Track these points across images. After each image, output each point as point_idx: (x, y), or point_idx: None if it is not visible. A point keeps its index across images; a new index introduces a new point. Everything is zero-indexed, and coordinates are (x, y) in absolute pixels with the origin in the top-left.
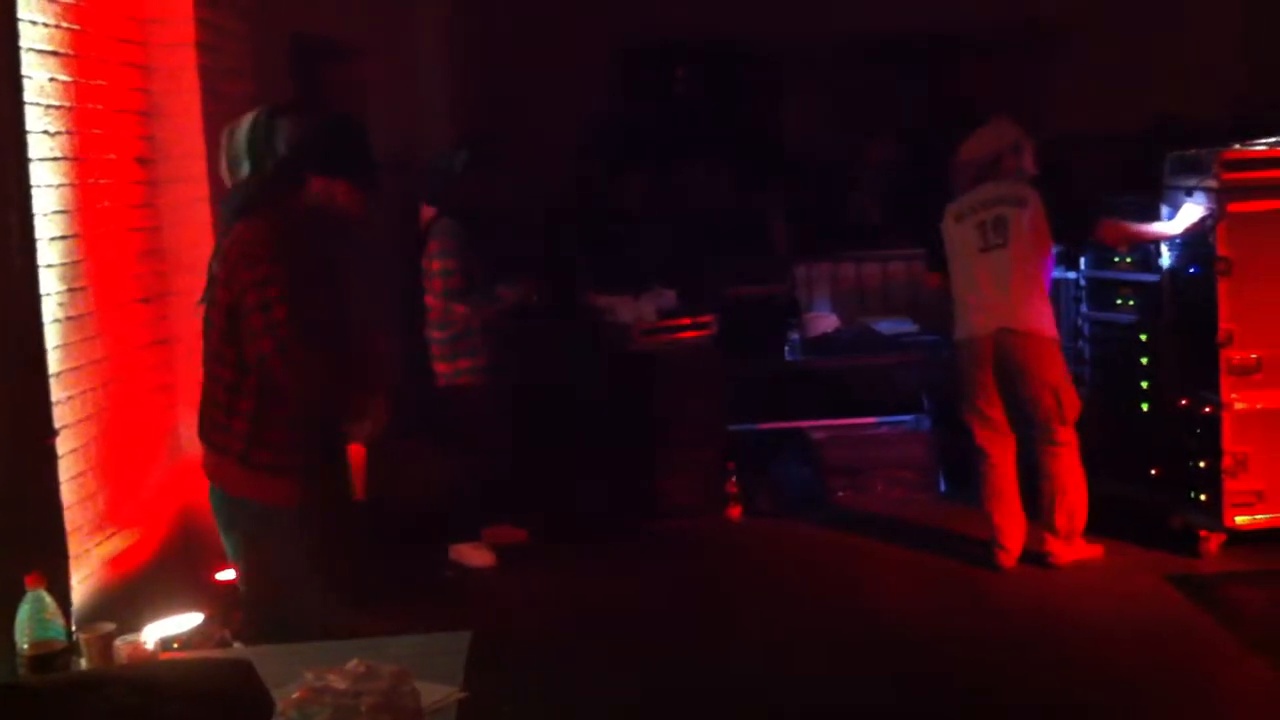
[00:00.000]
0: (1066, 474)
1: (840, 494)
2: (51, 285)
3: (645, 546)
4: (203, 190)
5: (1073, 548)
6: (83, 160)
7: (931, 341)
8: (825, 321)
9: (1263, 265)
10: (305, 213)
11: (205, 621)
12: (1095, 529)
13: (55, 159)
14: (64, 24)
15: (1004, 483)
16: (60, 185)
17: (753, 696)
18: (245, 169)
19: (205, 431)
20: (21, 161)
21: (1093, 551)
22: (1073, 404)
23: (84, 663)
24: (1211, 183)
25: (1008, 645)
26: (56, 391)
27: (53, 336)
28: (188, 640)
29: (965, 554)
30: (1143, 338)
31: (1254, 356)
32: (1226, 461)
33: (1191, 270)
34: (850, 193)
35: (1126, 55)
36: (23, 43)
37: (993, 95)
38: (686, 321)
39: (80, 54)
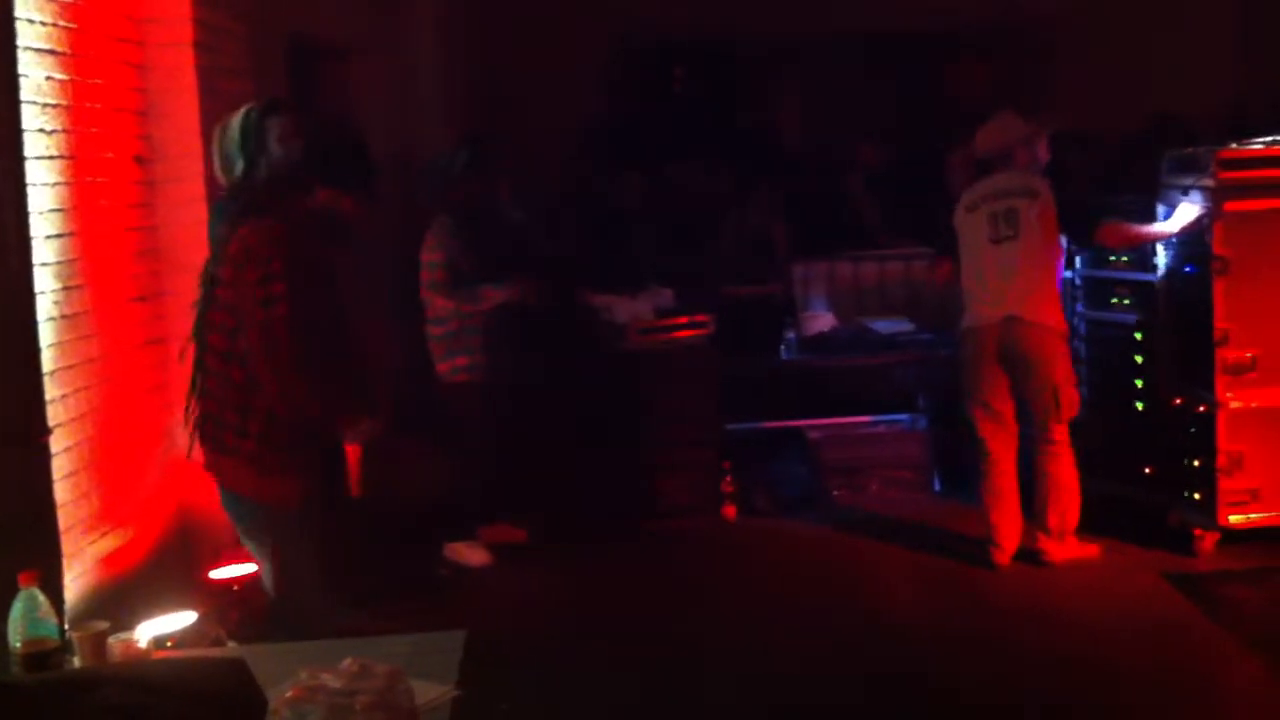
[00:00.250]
0: (1060, 473)
1: (836, 493)
2: (47, 283)
3: (641, 546)
4: (199, 190)
5: (1065, 546)
6: (79, 159)
7: (928, 341)
8: (822, 321)
9: (1259, 264)
10: (306, 214)
11: (199, 620)
12: (1091, 528)
13: (52, 157)
14: (61, 23)
15: (1004, 481)
16: (57, 184)
17: (748, 696)
18: (239, 168)
19: (211, 434)
20: (18, 159)
21: (1087, 551)
22: (1070, 403)
23: (77, 661)
24: (1208, 181)
25: (1004, 644)
26: (51, 390)
27: (48, 334)
28: (181, 639)
29: (961, 553)
30: (1138, 337)
31: (1249, 355)
32: (1221, 460)
33: (1188, 269)
34: (845, 193)
35: (1124, 55)
36: (20, 41)
37: (990, 95)
38: (683, 321)
39: (77, 53)
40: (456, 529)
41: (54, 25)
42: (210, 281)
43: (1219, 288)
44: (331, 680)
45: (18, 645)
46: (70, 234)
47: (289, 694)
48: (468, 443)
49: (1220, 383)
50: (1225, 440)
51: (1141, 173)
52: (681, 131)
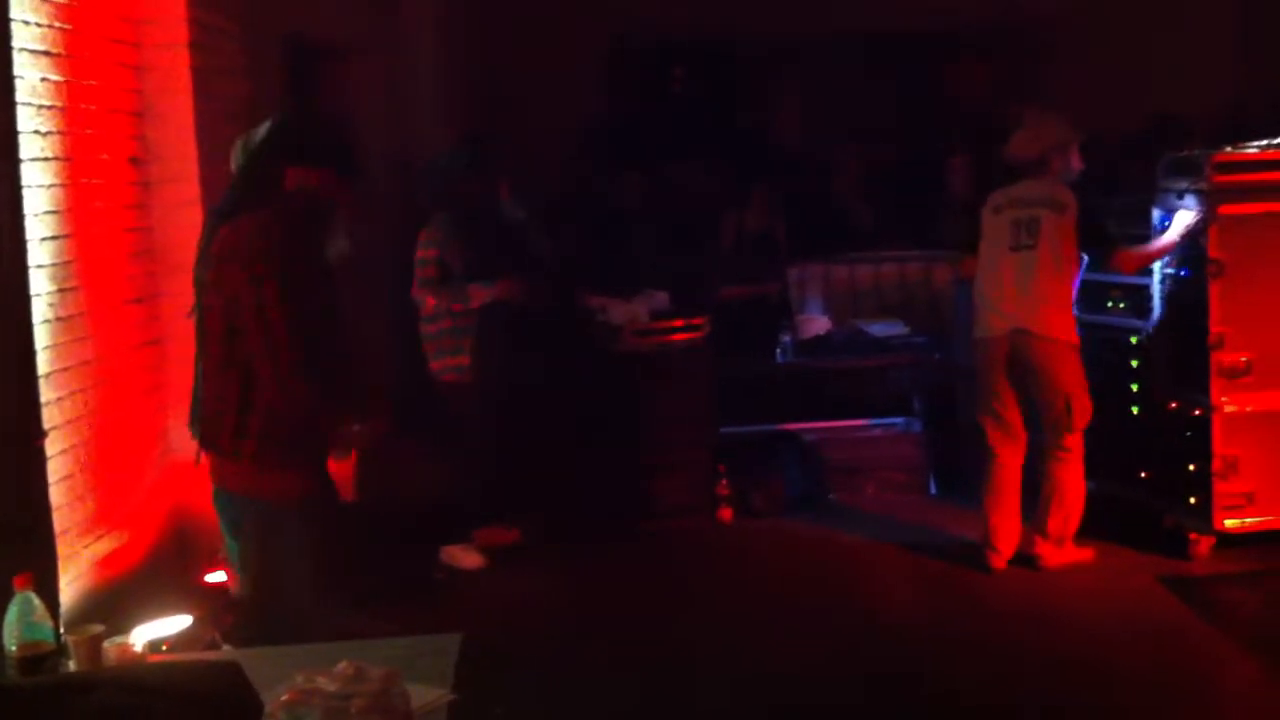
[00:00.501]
0: (1067, 480)
1: (832, 496)
2: (43, 286)
3: (637, 548)
4: (195, 191)
5: (1062, 552)
6: (75, 160)
7: (923, 343)
8: (817, 323)
9: (1254, 267)
10: (293, 211)
11: (194, 623)
12: (1086, 531)
13: (47, 159)
14: (56, 24)
15: (1006, 485)
16: (52, 185)
17: (744, 697)
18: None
19: (212, 437)
20: (13, 161)
21: (1083, 555)
22: (1083, 412)
23: (72, 664)
24: (1203, 185)
25: (1000, 646)
26: (47, 392)
27: (43, 337)
28: (177, 642)
29: (956, 556)
30: (1133, 340)
31: (1244, 359)
32: (1217, 464)
33: (1183, 273)
34: (838, 193)
35: (1123, 55)
36: (15, 43)
37: (990, 95)
38: (679, 323)
39: (73, 54)
40: (451, 532)
41: (49, 27)
42: (200, 287)
43: (1214, 291)
44: (327, 683)
45: (13, 648)
46: (66, 236)
47: (284, 697)
48: (463, 444)
49: (1216, 386)
50: (1221, 444)
51: (1140, 173)
52: (681, 131)
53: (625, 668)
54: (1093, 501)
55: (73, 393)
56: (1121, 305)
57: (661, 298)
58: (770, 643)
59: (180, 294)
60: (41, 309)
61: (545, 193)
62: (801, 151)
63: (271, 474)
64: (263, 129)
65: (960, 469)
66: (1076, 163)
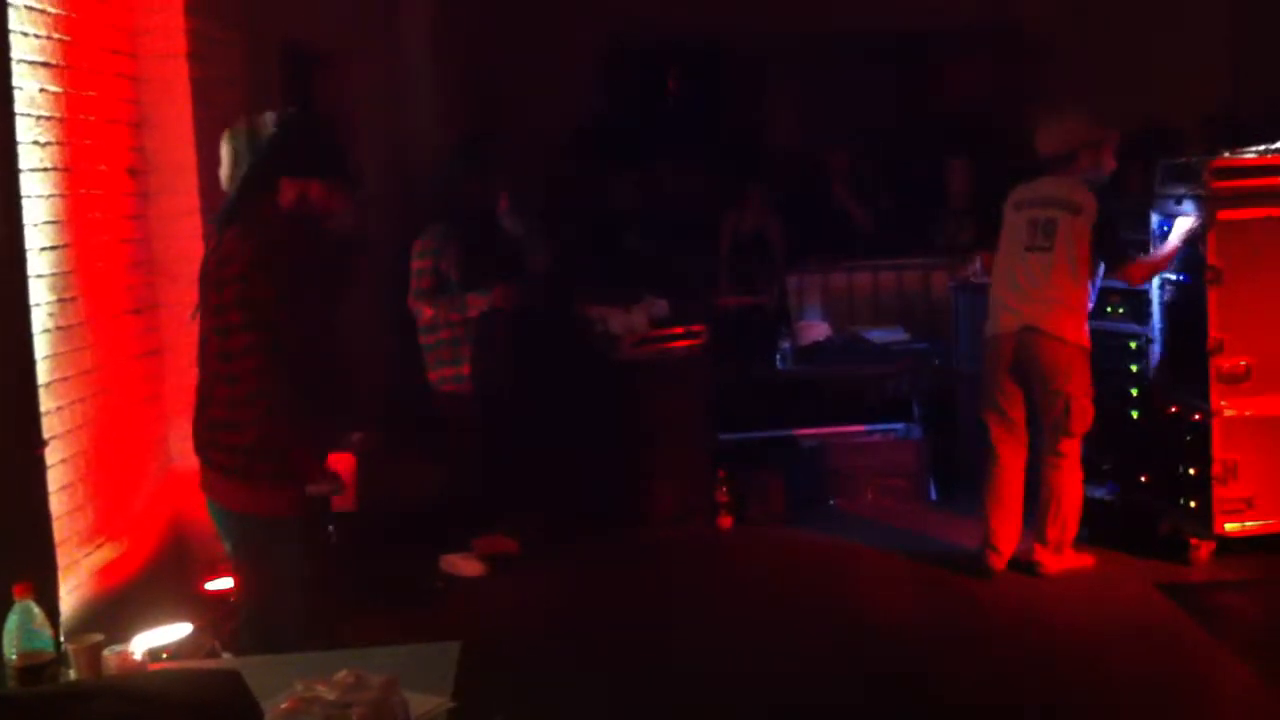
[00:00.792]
0: (1063, 486)
1: (831, 502)
2: (42, 296)
3: (636, 555)
4: (194, 201)
5: (1062, 558)
6: (73, 171)
7: (922, 350)
8: (816, 330)
9: (1253, 273)
10: (287, 220)
11: (194, 632)
12: (1084, 537)
13: (46, 170)
14: (55, 35)
15: (1007, 486)
16: (51, 196)
17: (741, 705)
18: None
19: (206, 450)
20: (12, 172)
21: (1083, 561)
22: (1081, 417)
23: (72, 673)
24: (1202, 190)
25: (999, 652)
26: (46, 402)
27: (43, 347)
28: (177, 651)
29: (955, 562)
30: (1133, 345)
31: (1243, 364)
32: (1216, 469)
33: (1182, 278)
34: (836, 194)
35: (1114, 58)
36: (14, 54)
37: (986, 95)
38: (679, 331)
39: (71, 65)
40: (450, 540)
41: (48, 38)
42: (203, 298)
43: (1213, 297)
44: (326, 692)
45: (13, 657)
46: (65, 246)
47: (284, 705)
48: (462, 452)
49: (1215, 391)
50: (1220, 449)
51: (1137, 177)
52: (675, 133)
53: (625, 675)
54: (1092, 506)
55: (72, 402)
56: (1121, 310)
57: (661, 305)
58: (769, 649)
59: (179, 304)
60: (41, 319)
61: (540, 195)
62: (799, 152)
63: (262, 489)
64: (268, 124)
65: (959, 475)
66: (1109, 161)
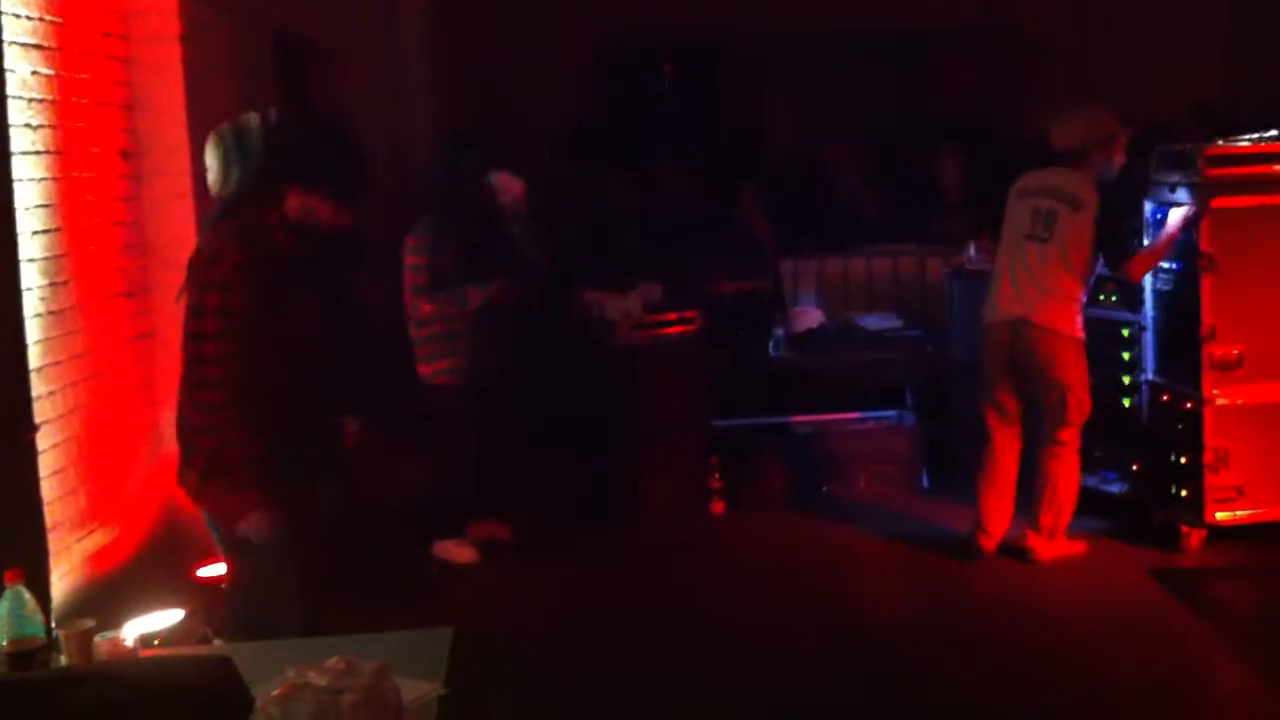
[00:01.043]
0: (1060, 474)
1: (824, 489)
2: (33, 279)
3: (628, 542)
4: (186, 184)
5: (1054, 545)
6: (65, 154)
7: (915, 336)
8: (810, 317)
9: (1245, 261)
10: (286, 229)
11: (186, 618)
12: (1077, 524)
13: (37, 153)
14: (46, 17)
15: (1000, 471)
16: (43, 179)
17: (733, 693)
18: (234, 176)
19: (184, 453)
20: (3, 155)
21: (1075, 548)
22: (1079, 407)
23: (63, 659)
24: (1196, 178)
25: (990, 639)
26: (38, 386)
27: (34, 331)
28: (168, 637)
29: (948, 548)
30: (1125, 333)
31: (1236, 352)
32: (1208, 457)
33: (1175, 266)
34: (842, 185)
35: (1112, 58)
36: (5, 36)
37: (982, 94)
38: (673, 317)
39: (63, 48)
40: (444, 527)
41: (39, 20)
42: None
43: (1206, 284)
44: (318, 678)
45: (4, 643)
46: (56, 229)
47: (275, 692)
48: (454, 441)
49: (1207, 379)
50: (1212, 437)
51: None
52: (669, 130)
53: (617, 661)
54: (1084, 494)
55: (64, 387)
56: (1113, 298)
57: (656, 289)
58: (762, 636)
59: (171, 287)
60: (33, 303)
61: (533, 191)
62: (799, 150)
63: (222, 496)
64: (253, 124)
65: (952, 462)
66: (1120, 156)
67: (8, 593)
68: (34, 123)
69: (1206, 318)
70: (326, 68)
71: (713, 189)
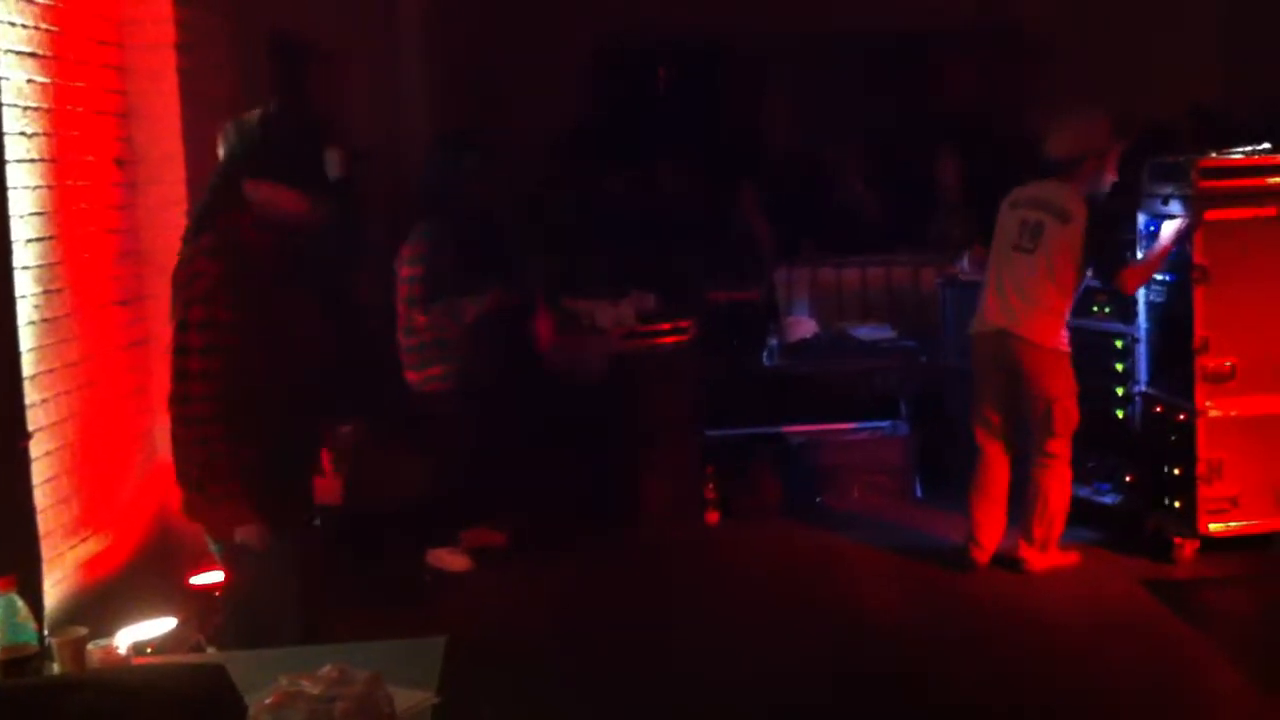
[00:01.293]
0: (1051, 486)
1: (817, 499)
2: (28, 287)
3: (623, 550)
4: (181, 192)
5: (1047, 556)
6: (60, 162)
7: (909, 347)
8: (804, 326)
9: (1239, 272)
10: (255, 227)
11: (179, 626)
12: (1070, 535)
13: (33, 161)
14: (42, 26)
15: (992, 482)
16: (38, 187)
17: (727, 700)
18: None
19: (179, 468)
20: None
21: (1068, 559)
22: (1066, 418)
23: (56, 667)
24: (1189, 190)
25: (983, 649)
26: (32, 394)
27: (28, 339)
28: (161, 645)
29: (941, 558)
30: (1118, 344)
31: (1229, 364)
32: (1201, 468)
33: (1168, 277)
34: (845, 193)
35: (1112, 58)
36: (0, 44)
37: (981, 96)
38: (666, 326)
39: (58, 56)
40: (438, 534)
41: (35, 28)
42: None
43: (1199, 296)
44: (311, 686)
45: None
46: (51, 237)
47: (268, 700)
48: (447, 449)
49: (1200, 391)
50: (1205, 448)
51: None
52: (669, 130)
53: (611, 669)
54: (1077, 505)
55: (58, 394)
56: (1107, 310)
57: (649, 299)
58: (755, 644)
59: (166, 295)
60: (27, 311)
61: (530, 194)
62: (799, 150)
63: (217, 506)
64: (254, 120)
65: (946, 472)
66: (1111, 173)
67: (0, 600)
68: (29, 130)
69: (1199, 329)
70: (325, 70)
71: (712, 189)
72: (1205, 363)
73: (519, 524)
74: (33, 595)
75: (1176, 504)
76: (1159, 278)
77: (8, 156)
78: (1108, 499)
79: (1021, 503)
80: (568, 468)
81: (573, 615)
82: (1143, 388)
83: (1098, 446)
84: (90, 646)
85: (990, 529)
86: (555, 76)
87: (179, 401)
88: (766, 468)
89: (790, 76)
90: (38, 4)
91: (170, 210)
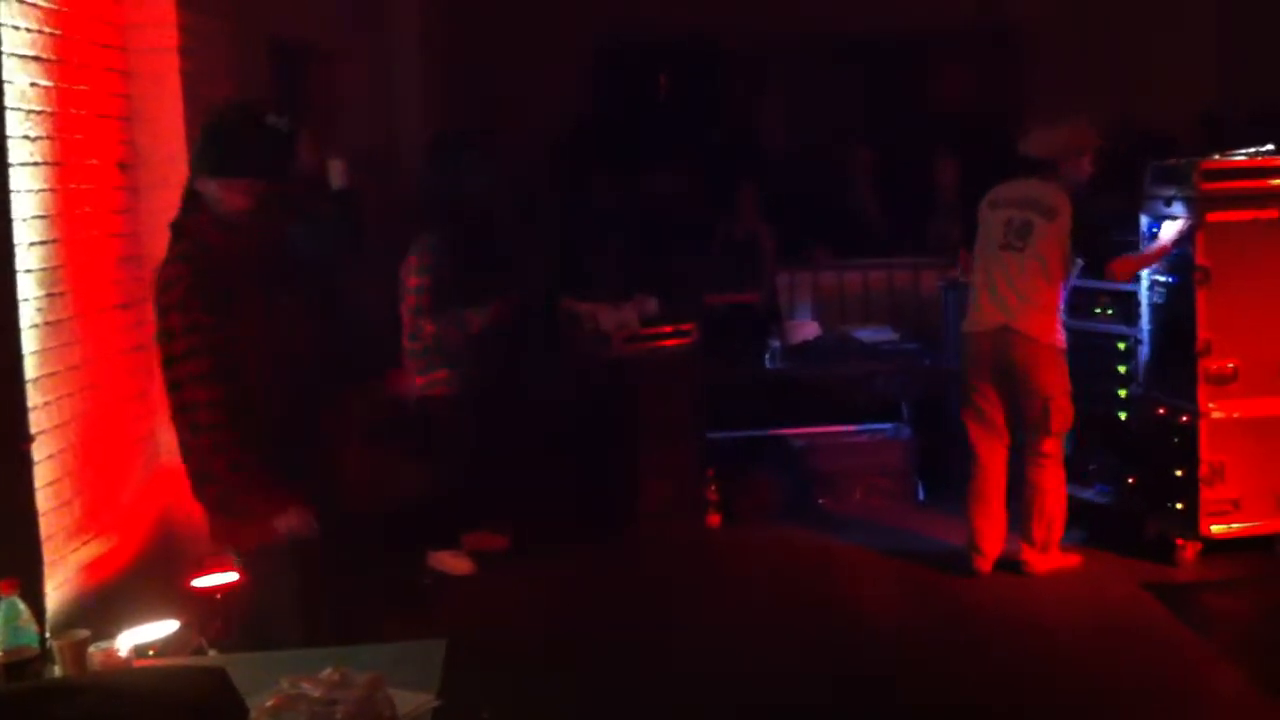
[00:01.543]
0: (1047, 485)
1: (819, 501)
2: (30, 290)
3: (624, 553)
4: None
5: (1049, 558)
6: (63, 165)
7: (911, 350)
8: (806, 329)
9: (1241, 275)
10: (218, 227)
11: (181, 629)
12: (1072, 537)
13: (36, 164)
14: (45, 29)
15: (989, 487)
16: (40, 190)
17: (728, 703)
18: None
19: (199, 476)
20: (1, 166)
21: (1070, 561)
22: (1062, 416)
23: (57, 670)
24: (1191, 192)
25: (984, 652)
26: (34, 397)
27: (31, 341)
28: (163, 647)
29: (942, 561)
30: (1121, 346)
31: (1231, 366)
32: (1203, 470)
33: (1170, 279)
34: (849, 194)
35: (1111, 59)
36: (4, 48)
37: (978, 97)
38: (668, 329)
39: (61, 59)
40: (439, 537)
41: (38, 32)
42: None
43: (1201, 298)
44: (312, 689)
45: None
46: (54, 241)
47: (270, 703)
48: (450, 452)
49: (1202, 393)
50: (1207, 450)
51: (1125, 180)
52: (665, 134)
53: (612, 672)
54: (1079, 507)
55: (60, 397)
56: (1110, 311)
57: (651, 302)
58: (755, 645)
59: None
60: (29, 314)
61: (529, 198)
62: (791, 153)
63: (249, 505)
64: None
65: (948, 475)
66: (1087, 168)
67: (2, 603)
68: (32, 134)
69: (1202, 332)
70: (325, 72)
71: (711, 189)
72: (1207, 365)
73: (520, 527)
74: (34, 598)
75: (1178, 506)
76: (1161, 279)
77: (11, 160)
78: (1110, 501)
79: (1019, 505)
80: (568, 470)
81: (573, 617)
82: (1145, 389)
83: (1099, 448)
84: (92, 649)
85: (991, 536)
86: (554, 77)
87: (180, 410)
88: (768, 470)
89: (790, 76)
90: (41, 8)
91: (173, 214)
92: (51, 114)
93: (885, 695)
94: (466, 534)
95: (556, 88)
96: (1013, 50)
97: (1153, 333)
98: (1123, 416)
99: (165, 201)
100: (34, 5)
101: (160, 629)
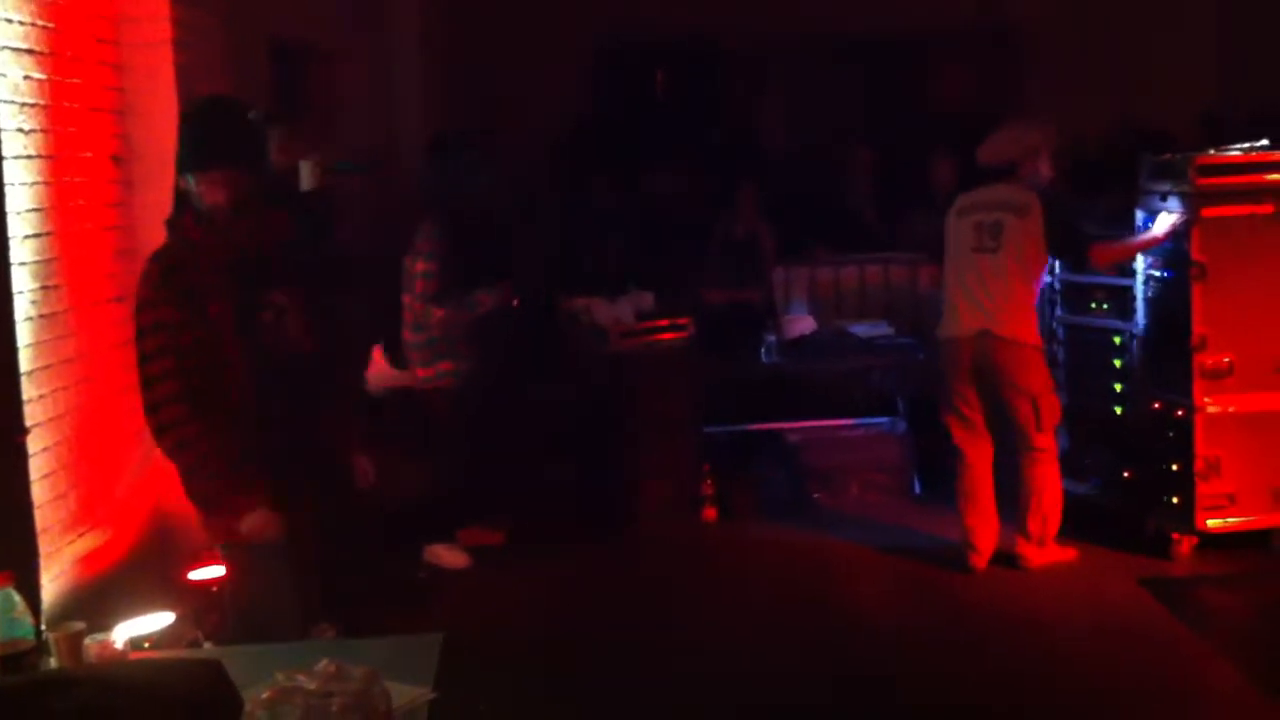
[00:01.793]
0: (1042, 480)
1: (815, 496)
2: (25, 283)
3: (620, 548)
4: None
5: (1045, 552)
6: (57, 158)
7: (907, 344)
8: (802, 324)
9: (1236, 269)
10: (197, 223)
11: (176, 621)
12: (1068, 532)
13: (30, 157)
14: (39, 22)
15: (978, 485)
16: (35, 183)
17: (724, 698)
18: None
19: (190, 489)
20: None
21: (1066, 555)
22: (1051, 412)
23: (53, 662)
24: (1186, 188)
25: (980, 647)
26: (29, 390)
27: (25, 334)
28: (158, 640)
29: (938, 556)
30: (1116, 341)
31: (1226, 360)
32: (1199, 465)
33: (1165, 274)
34: (848, 193)
35: (1101, 58)
36: None
37: (975, 98)
38: (664, 324)
39: (56, 52)
40: (435, 531)
41: (32, 25)
42: None
43: (1197, 293)
44: (307, 682)
45: None
46: (48, 233)
47: (265, 695)
48: (446, 446)
49: (1198, 387)
50: (1203, 445)
51: (1119, 177)
52: (664, 133)
53: (608, 667)
54: (1075, 502)
55: (54, 390)
56: (1105, 306)
57: (648, 297)
58: (752, 643)
59: None
60: (24, 306)
61: (528, 194)
62: (791, 153)
63: (217, 501)
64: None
65: (943, 470)
66: (1046, 169)
67: None
68: (26, 127)
69: (1197, 326)
70: (325, 72)
71: (711, 189)
72: (1203, 359)
73: (516, 522)
74: (30, 590)
75: (1174, 501)
76: (1157, 274)
77: (5, 153)
78: (1105, 496)
79: (1015, 500)
80: (567, 467)
81: (570, 612)
82: (1141, 384)
83: (1095, 443)
84: (87, 642)
85: (984, 533)
86: (554, 77)
87: (149, 412)
88: (764, 465)
89: (790, 77)
90: (34, 1)
91: (167, 208)
92: (45, 107)
93: (884, 694)
94: (462, 529)
95: (556, 88)
96: (1013, 50)
97: (1148, 327)
98: (1118, 411)
99: (159, 195)
100: None
101: (156, 621)
